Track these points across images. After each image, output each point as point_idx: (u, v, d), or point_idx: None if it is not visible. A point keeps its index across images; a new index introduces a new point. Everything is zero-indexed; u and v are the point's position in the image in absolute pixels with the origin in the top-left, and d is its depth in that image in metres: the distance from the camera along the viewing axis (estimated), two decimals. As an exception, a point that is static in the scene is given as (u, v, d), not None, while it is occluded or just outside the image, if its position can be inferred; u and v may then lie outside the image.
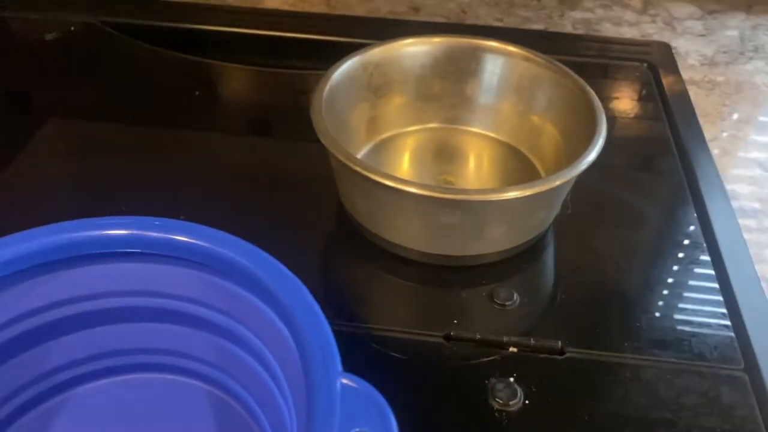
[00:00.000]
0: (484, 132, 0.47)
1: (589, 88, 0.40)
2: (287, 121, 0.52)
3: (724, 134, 0.52)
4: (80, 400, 0.32)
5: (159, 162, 0.47)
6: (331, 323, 0.36)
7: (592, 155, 0.36)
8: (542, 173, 0.44)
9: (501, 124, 0.46)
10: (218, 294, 0.30)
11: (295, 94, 0.56)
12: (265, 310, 0.28)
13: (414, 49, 0.45)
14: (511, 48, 0.45)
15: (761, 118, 0.54)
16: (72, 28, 0.60)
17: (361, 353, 0.35)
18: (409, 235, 0.38)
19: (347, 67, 0.43)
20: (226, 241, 0.29)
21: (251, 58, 0.59)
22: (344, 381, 0.24)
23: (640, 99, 0.55)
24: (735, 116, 0.55)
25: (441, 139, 0.47)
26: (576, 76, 0.42)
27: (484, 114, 0.47)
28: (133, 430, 0.31)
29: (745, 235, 0.43)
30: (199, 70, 0.57)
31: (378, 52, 0.44)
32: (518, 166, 0.45)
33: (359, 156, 0.45)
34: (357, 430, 0.22)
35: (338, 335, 0.35)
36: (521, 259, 0.40)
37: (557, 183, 0.34)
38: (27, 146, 0.47)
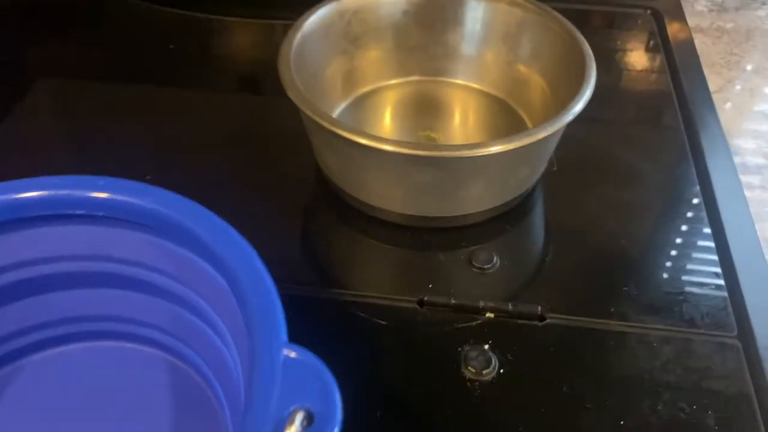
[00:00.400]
0: (469, 83, 0.44)
1: (578, 34, 0.37)
2: (266, 77, 0.49)
3: (732, 86, 0.49)
4: (34, 369, 0.31)
5: (136, 121, 0.45)
6: (300, 288, 0.34)
7: (578, 107, 0.33)
8: (530, 126, 0.41)
9: (486, 75, 0.43)
10: (168, 258, 0.28)
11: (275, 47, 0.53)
12: (214, 275, 0.26)
13: None
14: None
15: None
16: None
17: (330, 319, 0.33)
18: (384, 195, 0.36)
19: (322, 14, 0.40)
20: (171, 202, 0.26)
21: (230, 8, 0.56)
22: (289, 353, 0.22)
23: (644, 49, 0.52)
24: (749, 67, 0.51)
25: (424, 93, 0.44)
26: (565, 21, 0.39)
27: (469, 64, 0.44)
28: (88, 398, 0.30)
29: (747, 193, 0.40)
30: (177, 23, 0.54)
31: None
32: (505, 119, 0.42)
33: (336, 113, 0.42)
34: (297, 406, 0.20)
35: (307, 300, 0.34)
36: (504, 221, 0.37)
37: (538, 137, 0.32)
38: (13, 108, 0.45)
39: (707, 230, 0.37)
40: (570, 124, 0.34)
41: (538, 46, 0.40)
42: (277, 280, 0.23)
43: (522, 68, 0.41)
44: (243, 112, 0.46)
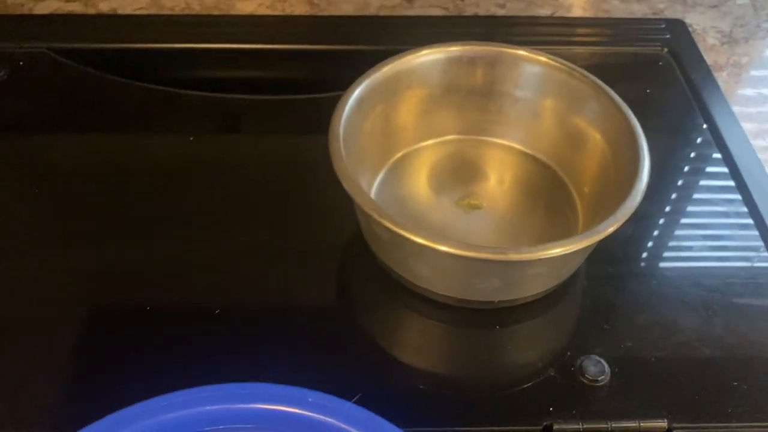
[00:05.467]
0: (506, 143, 0.44)
1: (630, 116, 0.37)
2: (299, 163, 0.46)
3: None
4: None
5: (132, 213, 0.42)
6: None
7: (638, 198, 0.34)
8: (570, 185, 0.42)
9: (525, 135, 0.43)
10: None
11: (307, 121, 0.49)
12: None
13: (429, 59, 0.41)
14: (542, 58, 0.41)
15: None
16: (21, 63, 0.52)
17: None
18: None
19: (367, 84, 0.39)
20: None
21: (233, 85, 0.51)
22: None
23: (669, 94, 0.51)
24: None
25: (461, 153, 0.44)
26: (613, 96, 0.39)
27: (507, 125, 0.44)
28: None
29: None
30: (167, 103, 0.49)
31: (390, 69, 0.40)
32: (546, 181, 0.42)
33: (378, 180, 0.42)
34: None
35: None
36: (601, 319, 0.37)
37: (608, 231, 0.32)
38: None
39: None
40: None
41: (585, 113, 0.40)
42: None
43: (566, 129, 0.41)
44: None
